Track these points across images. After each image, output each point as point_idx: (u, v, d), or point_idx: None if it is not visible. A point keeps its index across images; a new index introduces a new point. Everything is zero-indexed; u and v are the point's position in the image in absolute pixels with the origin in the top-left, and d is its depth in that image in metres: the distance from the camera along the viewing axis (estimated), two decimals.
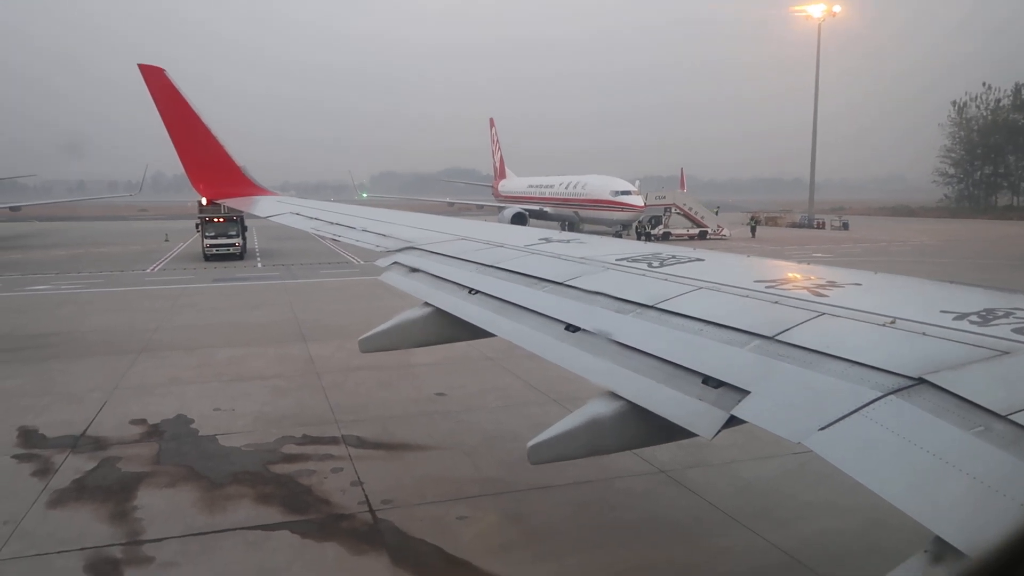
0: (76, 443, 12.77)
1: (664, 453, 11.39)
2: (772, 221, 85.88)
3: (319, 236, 11.71)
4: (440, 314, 6.73)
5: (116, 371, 17.54)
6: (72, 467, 11.70)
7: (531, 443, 4.30)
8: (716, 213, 65.84)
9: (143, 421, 13.93)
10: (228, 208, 37.64)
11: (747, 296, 4.67)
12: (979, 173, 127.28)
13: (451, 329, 6.75)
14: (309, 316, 24.97)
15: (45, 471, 11.56)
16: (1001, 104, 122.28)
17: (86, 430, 13.41)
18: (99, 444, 12.73)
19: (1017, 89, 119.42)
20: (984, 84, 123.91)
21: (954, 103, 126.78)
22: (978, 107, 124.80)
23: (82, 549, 9.07)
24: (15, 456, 12.23)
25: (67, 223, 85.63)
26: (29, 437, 13.12)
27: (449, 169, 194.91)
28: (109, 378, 16.91)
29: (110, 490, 10.84)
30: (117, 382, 16.63)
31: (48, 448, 12.58)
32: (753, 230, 66.42)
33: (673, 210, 62.63)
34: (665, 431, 3.90)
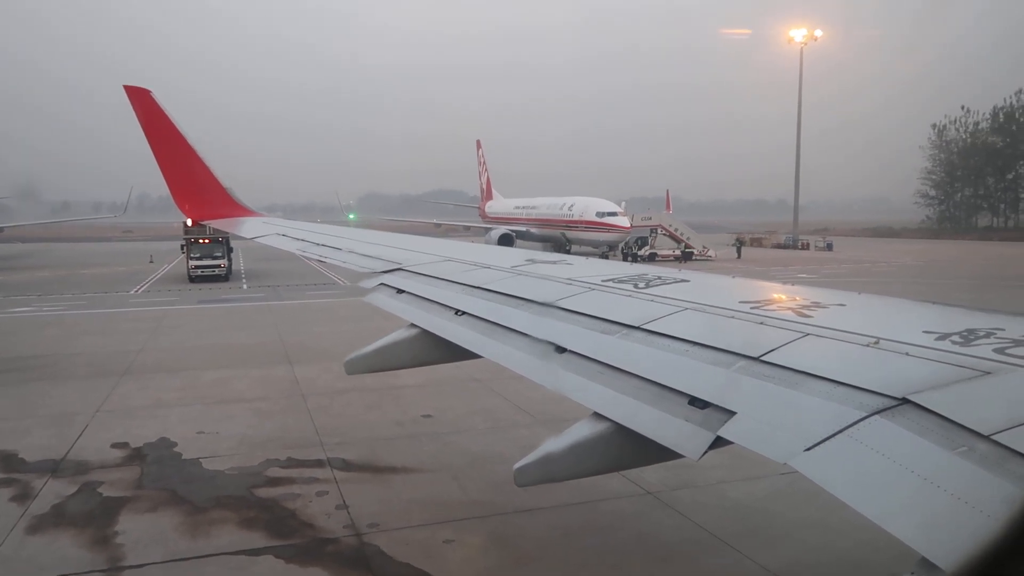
0: (57, 467, 12.57)
1: (651, 474, 11.36)
2: (757, 242, 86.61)
3: (305, 257, 11.67)
4: (426, 335, 6.69)
5: (99, 394, 17.33)
6: (52, 492, 11.51)
7: (517, 465, 4.27)
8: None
9: (125, 444, 13.74)
10: (213, 229, 37.50)
11: (732, 317, 4.69)
12: (959, 195, 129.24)
13: (437, 350, 6.72)
14: (294, 338, 24.83)
15: (24, 496, 11.36)
16: (980, 127, 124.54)
17: (67, 454, 13.21)
18: (80, 468, 12.53)
19: (995, 112, 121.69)
20: (963, 107, 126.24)
21: (934, 126, 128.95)
22: (957, 130, 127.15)
23: None
24: None
25: (51, 244, 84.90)
26: (8, 461, 12.91)
27: (436, 190, 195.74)
28: (91, 401, 16.70)
29: (91, 515, 10.66)
30: (99, 405, 16.42)
31: (28, 472, 12.38)
32: (738, 251, 66.90)
33: (659, 231, 63.07)
34: (652, 452, 3.88)
